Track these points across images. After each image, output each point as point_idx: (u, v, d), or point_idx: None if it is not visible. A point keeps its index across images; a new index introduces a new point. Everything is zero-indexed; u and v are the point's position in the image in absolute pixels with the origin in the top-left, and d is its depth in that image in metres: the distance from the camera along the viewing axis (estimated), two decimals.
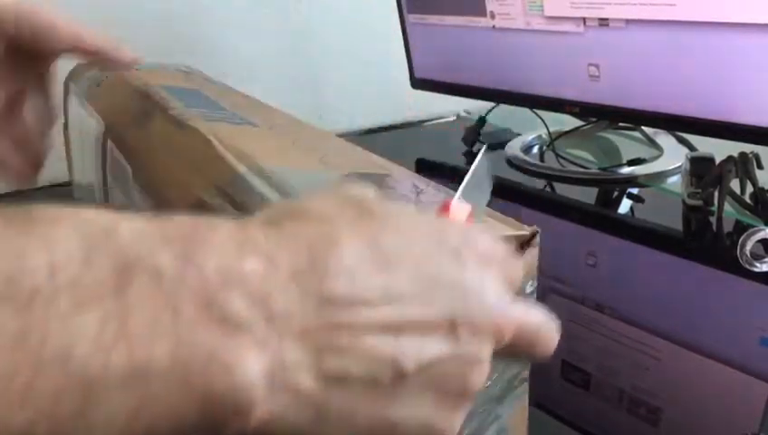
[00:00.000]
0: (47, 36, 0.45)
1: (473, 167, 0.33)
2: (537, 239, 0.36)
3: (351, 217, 0.25)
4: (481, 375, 0.25)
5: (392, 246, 0.25)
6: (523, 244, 0.36)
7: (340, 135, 0.80)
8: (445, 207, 0.30)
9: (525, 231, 0.37)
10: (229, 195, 0.37)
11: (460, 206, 0.31)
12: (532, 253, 0.37)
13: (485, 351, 0.25)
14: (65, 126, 0.66)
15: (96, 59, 0.48)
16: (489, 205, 0.36)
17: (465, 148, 0.97)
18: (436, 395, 0.24)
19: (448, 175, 0.94)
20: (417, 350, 0.23)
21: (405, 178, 0.42)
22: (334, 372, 0.22)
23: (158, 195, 0.44)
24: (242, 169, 0.38)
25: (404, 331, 0.23)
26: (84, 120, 0.59)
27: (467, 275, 0.25)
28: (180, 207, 0.40)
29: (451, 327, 0.24)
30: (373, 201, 0.26)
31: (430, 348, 0.24)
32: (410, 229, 0.26)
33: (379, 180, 0.41)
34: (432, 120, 1.15)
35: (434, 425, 0.25)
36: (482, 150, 0.34)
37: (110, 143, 0.53)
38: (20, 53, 0.46)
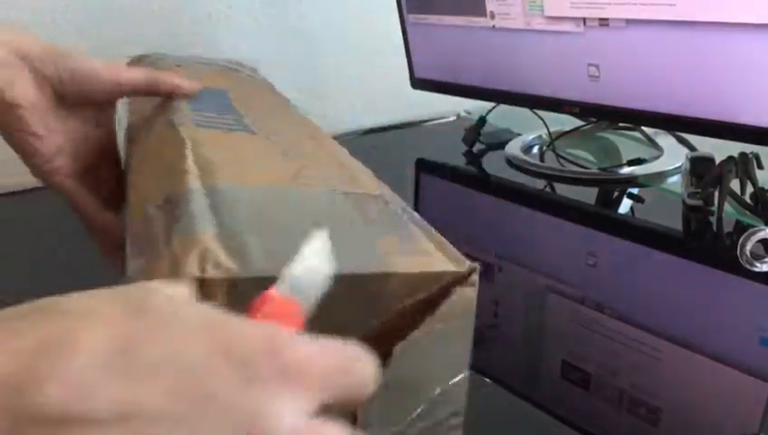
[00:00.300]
0: (88, 80, 0.47)
1: (304, 250, 0.26)
2: (475, 277, 0.31)
3: (113, 315, 0.21)
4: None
5: (154, 354, 0.20)
6: (453, 282, 0.30)
7: (341, 135, 0.80)
8: (262, 301, 0.25)
9: (460, 268, 0.31)
10: (171, 209, 0.35)
11: (284, 300, 0.25)
12: (466, 294, 0.32)
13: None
14: None
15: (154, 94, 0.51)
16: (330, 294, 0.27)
17: (465, 148, 0.97)
18: None
19: (448, 175, 0.94)
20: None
21: (395, 199, 0.41)
22: None
23: (129, 199, 0.44)
24: (194, 184, 0.36)
25: None
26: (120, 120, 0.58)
27: (251, 395, 0.21)
28: (134, 214, 0.40)
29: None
30: (156, 300, 0.22)
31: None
32: (189, 334, 0.21)
33: (361, 200, 0.38)
34: (432, 120, 1.15)
35: None
36: (317, 235, 0.27)
37: (126, 145, 0.53)
38: (70, 101, 0.48)
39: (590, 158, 0.90)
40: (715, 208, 0.67)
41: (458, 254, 0.33)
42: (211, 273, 0.27)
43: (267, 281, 0.26)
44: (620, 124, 0.92)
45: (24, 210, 0.85)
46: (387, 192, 0.42)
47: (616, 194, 0.80)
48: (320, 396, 0.23)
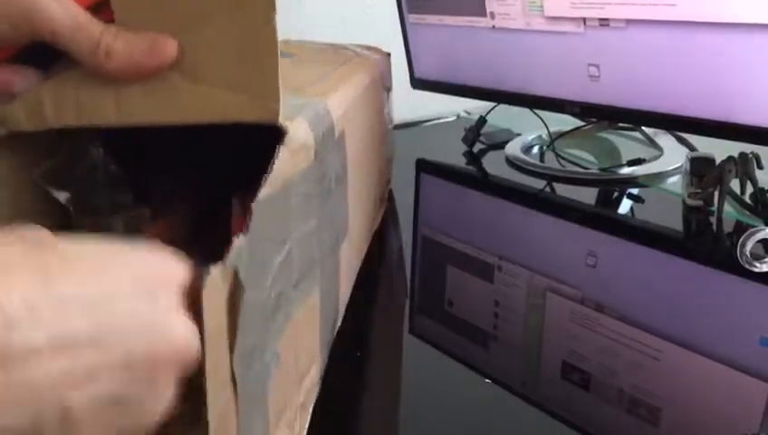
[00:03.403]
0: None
1: None
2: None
3: (24, 249, 0.23)
4: (161, 407, 0.26)
5: (69, 283, 0.23)
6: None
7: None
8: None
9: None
10: None
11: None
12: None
13: (167, 384, 0.26)
14: None
15: None
16: None
17: (465, 148, 0.97)
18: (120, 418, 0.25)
19: (448, 175, 0.94)
20: (89, 395, 0.23)
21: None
22: None
23: None
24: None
25: (75, 376, 0.23)
26: None
27: (153, 309, 0.25)
28: None
29: (126, 366, 0.24)
30: (52, 238, 0.25)
31: (102, 390, 0.24)
32: (95, 264, 0.25)
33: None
34: (432, 120, 1.15)
35: None
36: None
37: None
38: None
39: (590, 158, 0.90)
40: (715, 208, 0.67)
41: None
42: None
43: None
44: (620, 124, 0.92)
45: None
46: None
47: (616, 194, 0.80)
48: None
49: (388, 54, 0.76)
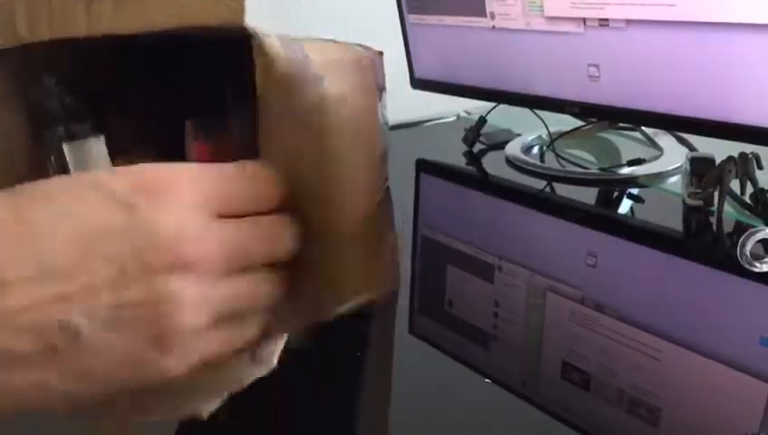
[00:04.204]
0: None
1: None
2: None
3: None
4: (179, 310, 0.27)
5: (42, 215, 0.26)
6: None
7: None
8: None
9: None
10: None
11: None
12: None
13: (174, 285, 0.27)
14: None
15: None
16: None
17: (465, 148, 0.97)
18: (130, 343, 0.26)
19: (448, 175, 0.94)
20: (90, 311, 0.25)
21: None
22: None
23: None
24: None
25: (69, 300, 0.25)
26: None
27: (134, 218, 0.27)
28: None
29: (120, 278, 0.26)
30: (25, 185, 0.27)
31: (102, 304, 0.26)
32: (64, 191, 0.27)
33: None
34: (432, 120, 1.15)
35: (143, 367, 0.27)
36: None
37: None
38: None
39: (590, 158, 0.90)
40: (715, 208, 0.67)
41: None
42: None
43: None
44: (620, 124, 0.92)
45: None
46: None
47: (616, 194, 0.80)
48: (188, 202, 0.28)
49: (381, 53, 0.76)
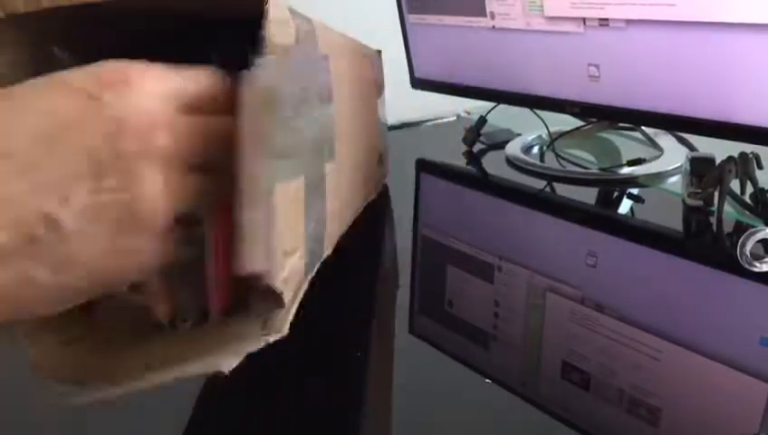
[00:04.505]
0: None
1: None
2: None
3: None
4: (153, 196, 0.28)
5: (8, 114, 0.27)
6: None
7: None
8: None
9: None
10: None
11: None
12: None
13: (147, 172, 0.28)
14: None
15: None
16: None
17: (465, 148, 0.97)
18: (108, 229, 0.27)
19: (448, 175, 0.94)
20: (64, 202, 0.26)
21: None
22: None
23: None
24: None
25: (46, 191, 0.26)
26: None
27: (102, 109, 0.27)
28: None
29: (94, 167, 0.27)
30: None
31: (77, 196, 0.26)
32: (30, 90, 0.28)
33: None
34: (432, 120, 1.15)
35: (123, 254, 0.28)
36: None
37: None
38: None
39: (590, 158, 0.90)
40: (715, 208, 0.67)
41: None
42: None
43: None
44: (620, 124, 0.92)
45: None
46: None
47: (616, 194, 0.80)
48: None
49: (379, 52, 0.76)
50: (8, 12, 0.36)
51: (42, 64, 0.39)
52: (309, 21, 0.45)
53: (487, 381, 0.51)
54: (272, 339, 0.35)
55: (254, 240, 0.30)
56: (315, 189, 0.46)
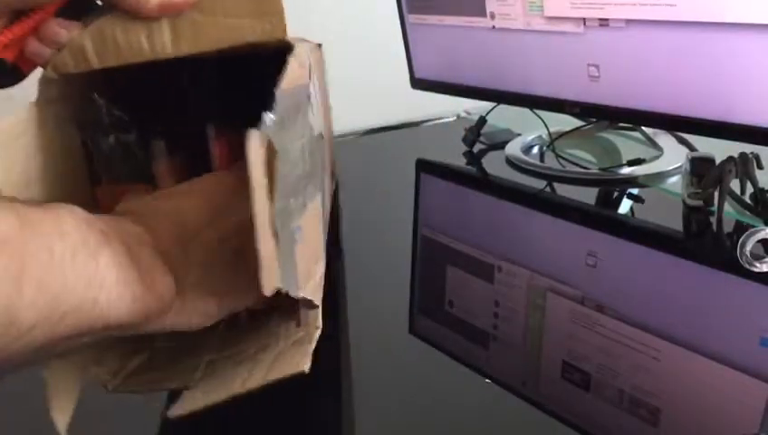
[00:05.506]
0: None
1: None
2: None
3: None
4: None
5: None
6: None
7: (341, 135, 0.81)
8: None
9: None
10: None
11: None
12: None
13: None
14: None
15: None
16: None
17: (465, 148, 0.97)
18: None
19: (448, 175, 0.94)
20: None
21: None
22: None
23: None
24: None
25: None
26: None
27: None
28: None
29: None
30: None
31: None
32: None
33: None
34: (432, 120, 1.15)
35: None
36: None
37: None
38: None
39: (590, 158, 0.90)
40: (715, 208, 0.67)
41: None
42: None
43: None
44: (620, 124, 0.92)
45: None
46: None
47: (616, 194, 0.80)
48: None
49: (319, 45, 0.76)
50: (60, 72, 0.40)
51: (82, 112, 0.44)
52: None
53: (487, 381, 0.51)
54: (317, 334, 0.40)
55: (270, 268, 0.33)
56: (323, 212, 0.48)
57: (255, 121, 0.33)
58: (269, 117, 0.33)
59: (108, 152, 0.47)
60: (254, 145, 0.31)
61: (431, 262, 0.70)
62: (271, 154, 0.32)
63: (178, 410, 0.38)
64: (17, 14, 0.39)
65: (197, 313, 0.39)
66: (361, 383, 0.50)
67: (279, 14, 0.40)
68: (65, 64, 0.39)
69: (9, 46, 0.38)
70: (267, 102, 0.35)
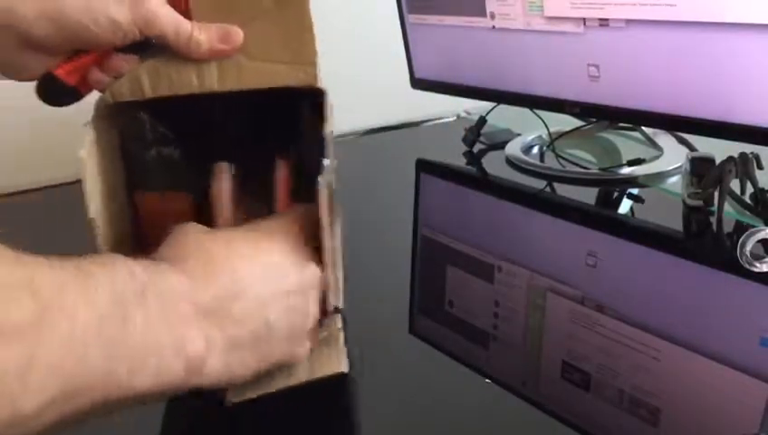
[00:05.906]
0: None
1: None
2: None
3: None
4: (315, 309, 0.44)
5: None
6: None
7: (341, 135, 0.81)
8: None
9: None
10: None
11: None
12: None
13: (314, 297, 0.44)
14: None
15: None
16: None
17: (465, 148, 0.97)
18: (290, 335, 0.42)
19: (448, 175, 0.94)
20: (278, 309, 0.41)
21: None
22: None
23: None
24: None
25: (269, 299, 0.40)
26: None
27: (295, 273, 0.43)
28: None
29: (291, 293, 0.42)
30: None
31: (283, 305, 0.41)
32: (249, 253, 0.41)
33: None
34: (432, 120, 1.15)
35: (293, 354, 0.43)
36: None
37: None
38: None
39: (590, 158, 0.90)
40: (715, 208, 0.67)
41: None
42: None
43: None
44: (620, 124, 0.92)
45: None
46: None
47: (616, 194, 0.80)
48: None
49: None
50: (116, 100, 0.44)
51: (126, 126, 0.49)
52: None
53: (487, 381, 0.51)
54: (342, 335, 0.49)
55: (335, 292, 0.46)
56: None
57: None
58: (326, 162, 0.42)
59: (148, 163, 0.51)
60: (322, 190, 0.40)
61: (431, 262, 0.70)
62: (331, 195, 0.41)
63: (232, 396, 0.43)
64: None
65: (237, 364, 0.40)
66: (361, 383, 0.50)
67: (313, 64, 0.46)
68: (122, 93, 0.45)
69: (72, 73, 0.45)
70: (317, 147, 0.45)
